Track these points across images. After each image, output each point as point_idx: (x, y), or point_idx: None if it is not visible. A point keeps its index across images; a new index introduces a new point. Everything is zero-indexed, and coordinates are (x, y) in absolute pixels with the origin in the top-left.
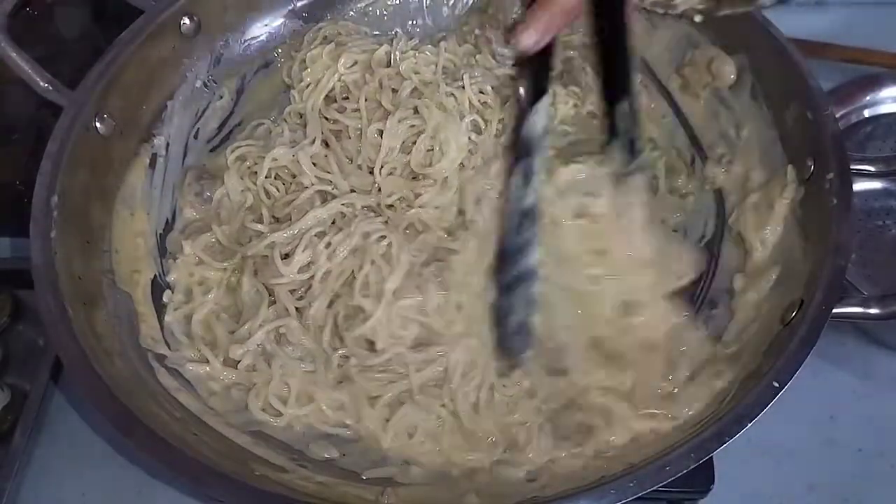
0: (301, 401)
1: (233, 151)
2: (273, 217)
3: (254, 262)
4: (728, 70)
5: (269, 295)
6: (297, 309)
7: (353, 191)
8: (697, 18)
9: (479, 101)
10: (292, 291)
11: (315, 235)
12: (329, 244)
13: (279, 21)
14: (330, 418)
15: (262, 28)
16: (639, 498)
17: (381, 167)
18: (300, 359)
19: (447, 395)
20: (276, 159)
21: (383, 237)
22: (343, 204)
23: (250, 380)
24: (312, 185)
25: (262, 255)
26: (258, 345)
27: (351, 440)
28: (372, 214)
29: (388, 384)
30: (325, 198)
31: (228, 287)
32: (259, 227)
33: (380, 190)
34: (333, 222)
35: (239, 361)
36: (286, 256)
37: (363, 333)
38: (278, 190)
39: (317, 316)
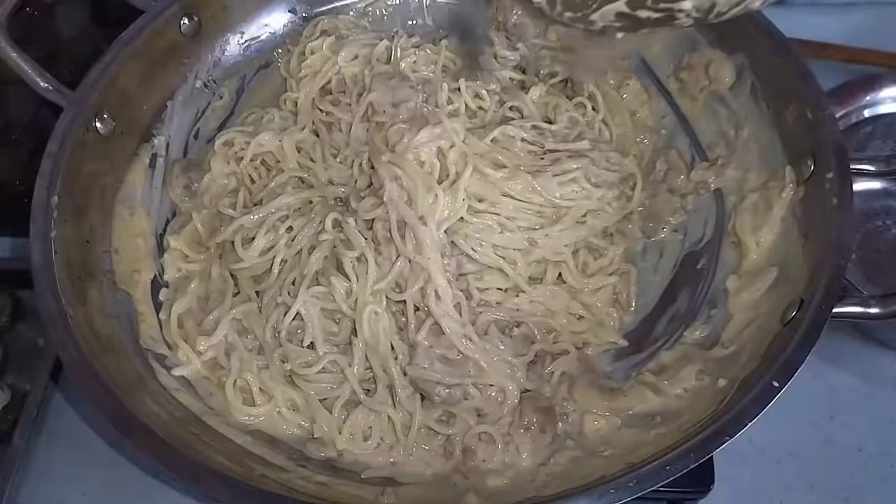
0: (262, 398)
1: (220, 137)
2: (252, 203)
3: (221, 248)
4: (726, 73)
5: (235, 284)
6: (256, 293)
7: (331, 182)
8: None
9: (475, 105)
10: (254, 278)
11: (278, 220)
12: (290, 228)
13: (279, 21)
14: (288, 420)
15: (262, 28)
16: (639, 498)
17: (362, 162)
18: (255, 351)
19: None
20: (262, 144)
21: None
22: (317, 194)
23: (215, 375)
24: (291, 169)
25: (229, 240)
26: (224, 335)
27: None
28: (341, 205)
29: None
30: (302, 184)
31: (202, 277)
32: (231, 211)
33: (356, 183)
34: (299, 208)
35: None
36: (252, 240)
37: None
38: (261, 175)
39: (269, 304)
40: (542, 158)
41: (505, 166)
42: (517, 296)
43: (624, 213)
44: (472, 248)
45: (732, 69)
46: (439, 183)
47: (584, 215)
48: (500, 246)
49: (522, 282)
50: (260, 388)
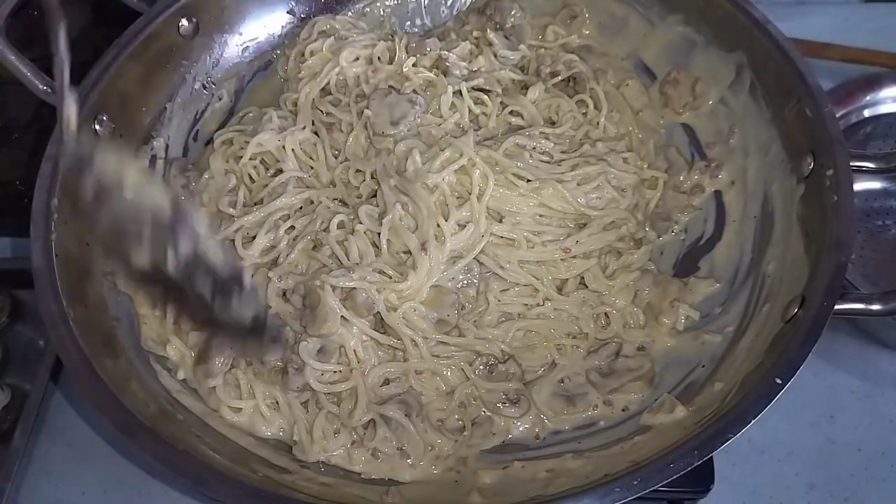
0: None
1: (219, 136)
2: (252, 202)
3: None
4: (710, 94)
5: None
6: None
7: (332, 183)
8: None
9: (480, 111)
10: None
11: (279, 219)
12: (292, 227)
13: (277, 22)
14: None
15: (261, 29)
16: (639, 497)
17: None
18: None
19: None
20: (262, 144)
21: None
22: (319, 195)
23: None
24: (292, 169)
25: (230, 239)
26: None
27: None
28: (345, 207)
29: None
30: (302, 184)
31: None
32: (231, 210)
33: (358, 187)
34: (301, 208)
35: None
36: (253, 239)
37: None
38: (259, 174)
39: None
40: (559, 165)
41: (528, 179)
42: (542, 304)
43: (645, 214)
44: (501, 266)
45: (717, 92)
46: (460, 201)
47: (612, 221)
48: (529, 261)
49: (552, 292)
50: (249, 386)
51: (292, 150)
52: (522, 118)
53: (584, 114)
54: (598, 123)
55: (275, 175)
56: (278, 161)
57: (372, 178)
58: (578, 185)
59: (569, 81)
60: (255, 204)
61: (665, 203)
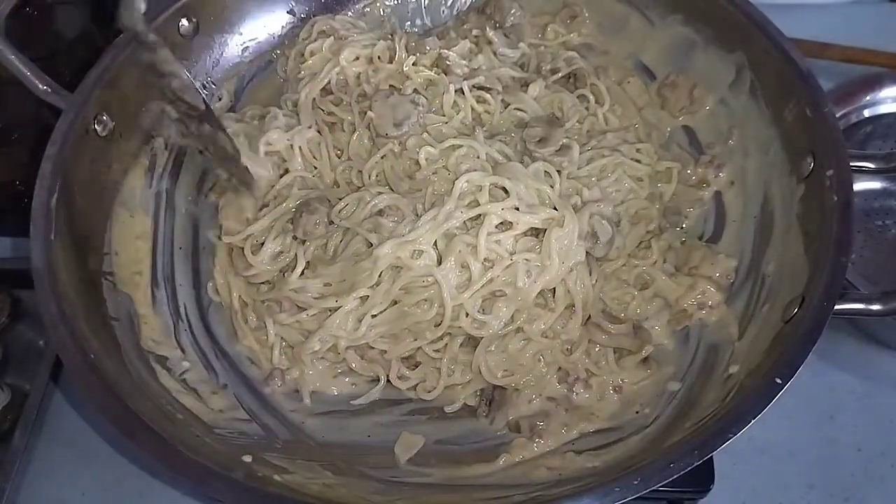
0: None
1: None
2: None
3: (231, 254)
4: (708, 99)
5: None
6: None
7: (336, 183)
8: None
9: (483, 109)
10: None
11: (288, 221)
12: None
13: (278, 22)
14: None
15: (261, 29)
16: (639, 497)
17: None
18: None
19: None
20: (271, 143)
21: None
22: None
23: None
24: (297, 170)
25: (239, 246)
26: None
27: None
28: None
29: None
30: (306, 185)
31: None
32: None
33: (360, 188)
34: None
35: None
36: (262, 245)
37: None
38: None
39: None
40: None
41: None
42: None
43: (662, 205)
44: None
45: (713, 98)
46: None
47: (636, 213)
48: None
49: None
50: None
51: (299, 148)
52: (526, 115)
53: (585, 108)
54: (600, 117)
55: (282, 177)
56: (284, 161)
57: (376, 178)
58: (597, 179)
59: (569, 78)
60: (263, 207)
61: (675, 196)
